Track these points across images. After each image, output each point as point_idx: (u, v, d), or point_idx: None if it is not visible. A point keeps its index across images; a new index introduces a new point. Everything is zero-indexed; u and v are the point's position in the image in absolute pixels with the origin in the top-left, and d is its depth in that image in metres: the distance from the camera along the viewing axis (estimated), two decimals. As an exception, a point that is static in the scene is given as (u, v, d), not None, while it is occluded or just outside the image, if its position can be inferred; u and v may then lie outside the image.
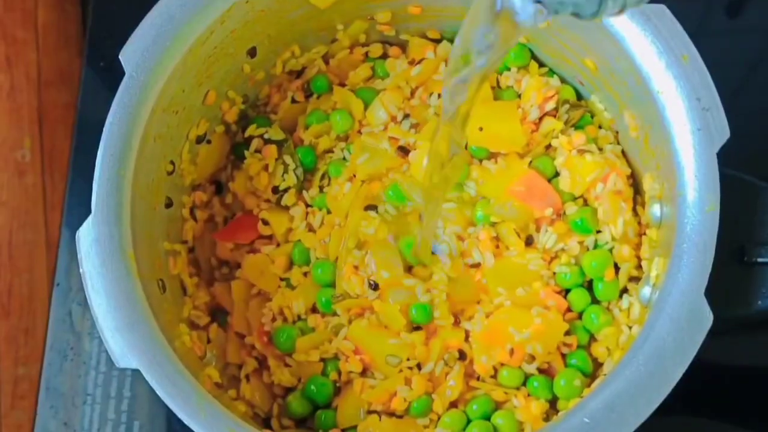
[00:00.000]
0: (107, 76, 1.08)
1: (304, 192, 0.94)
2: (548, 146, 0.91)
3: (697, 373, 0.73)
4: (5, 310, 1.24)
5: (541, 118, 0.92)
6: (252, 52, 0.92)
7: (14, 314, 1.24)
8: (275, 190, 0.93)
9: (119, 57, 0.82)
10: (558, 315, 0.86)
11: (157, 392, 0.75)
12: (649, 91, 0.81)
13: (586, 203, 0.89)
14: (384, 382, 0.86)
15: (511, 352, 0.85)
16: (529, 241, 0.89)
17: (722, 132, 0.78)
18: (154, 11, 0.84)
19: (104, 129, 0.81)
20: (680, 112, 0.79)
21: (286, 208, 0.93)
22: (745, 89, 1.03)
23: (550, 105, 0.92)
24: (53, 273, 1.04)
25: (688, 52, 0.80)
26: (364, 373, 0.87)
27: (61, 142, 1.28)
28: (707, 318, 0.74)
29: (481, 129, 0.90)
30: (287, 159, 0.93)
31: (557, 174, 0.90)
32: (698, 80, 0.79)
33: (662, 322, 0.74)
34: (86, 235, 0.79)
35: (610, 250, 0.87)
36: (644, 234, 0.87)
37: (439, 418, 0.85)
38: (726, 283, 0.79)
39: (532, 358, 0.85)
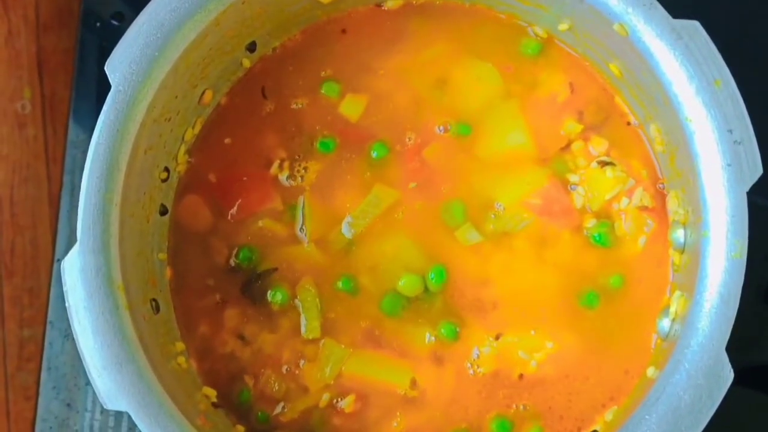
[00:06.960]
0: (105, 16, 1.02)
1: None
2: (566, 147, 0.85)
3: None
4: (8, 270, 1.21)
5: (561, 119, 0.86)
6: (251, 47, 0.86)
7: (18, 274, 1.21)
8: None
9: (105, 68, 0.76)
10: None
11: (147, 436, 0.73)
12: (677, 116, 0.74)
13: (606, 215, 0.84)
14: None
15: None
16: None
17: (755, 168, 0.72)
18: (141, 17, 0.77)
19: (89, 150, 0.75)
20: (710, 143, 0.73)
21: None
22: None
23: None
24: (56, 230, 1.00)
25: (720, 76, 0.73)
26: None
27: (62, 91, 1.23)
28: (727, 375, 0.69)
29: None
30: None
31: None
32: (731, 109, 0.72)
33: (678, 378, 0.70)
34: (72, 265, 0.74)
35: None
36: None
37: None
38: (750, 325, 0.74)
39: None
